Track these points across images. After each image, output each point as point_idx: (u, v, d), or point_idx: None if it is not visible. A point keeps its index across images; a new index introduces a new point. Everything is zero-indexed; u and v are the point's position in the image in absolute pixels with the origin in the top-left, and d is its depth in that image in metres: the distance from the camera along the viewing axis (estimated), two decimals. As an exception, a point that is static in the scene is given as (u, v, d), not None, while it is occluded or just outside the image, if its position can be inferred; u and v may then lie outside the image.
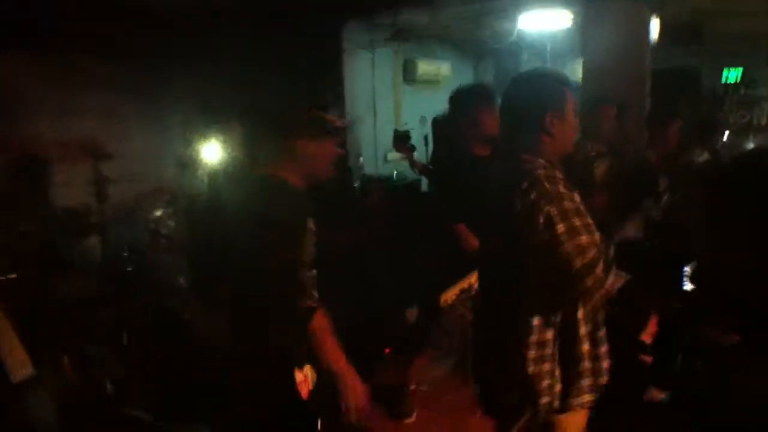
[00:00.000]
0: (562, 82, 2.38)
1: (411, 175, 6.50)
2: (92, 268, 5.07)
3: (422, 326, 4.17)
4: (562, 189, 2.18)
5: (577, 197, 2.22)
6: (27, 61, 5.85)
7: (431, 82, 7.77)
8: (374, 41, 6.93)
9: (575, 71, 8.15)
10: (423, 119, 7.71)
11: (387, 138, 7.26)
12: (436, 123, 5.45)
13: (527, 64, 8.74)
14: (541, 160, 2.26)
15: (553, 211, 2.10)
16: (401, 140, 4.98)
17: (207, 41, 6.03)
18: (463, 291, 3.55)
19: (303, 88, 5.82)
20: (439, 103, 7.90)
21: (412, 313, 4.62)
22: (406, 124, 7.46)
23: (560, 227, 2.08)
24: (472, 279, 3.55)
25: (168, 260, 5.33)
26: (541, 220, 2.10)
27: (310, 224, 2.49)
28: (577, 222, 2.10)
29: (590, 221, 2.15)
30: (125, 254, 5.28)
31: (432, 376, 4.19)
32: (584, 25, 5.81)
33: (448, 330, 3.85)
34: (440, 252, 3.80)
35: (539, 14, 6.59)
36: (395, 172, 6.64)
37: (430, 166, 4.72)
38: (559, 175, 2.26)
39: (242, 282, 2.43)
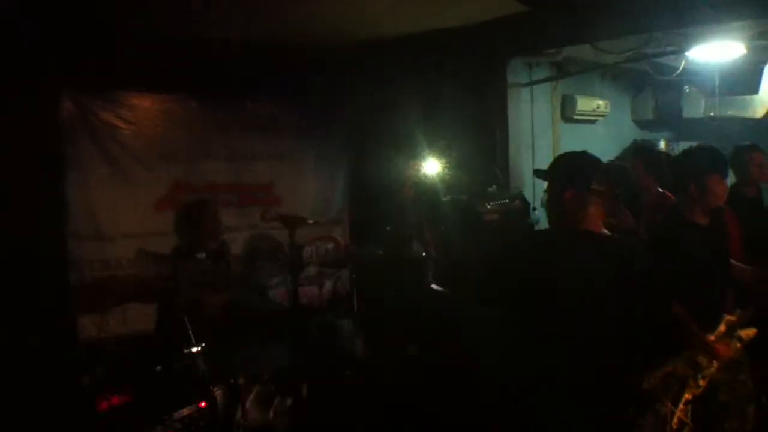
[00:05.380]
0: None
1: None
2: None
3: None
4: None
5: None
6: (198, 107, 6.13)
7: (589, 118, 7.52)
8: (533, 78, 6.80)
9: (747, 105, 7.76)
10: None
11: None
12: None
13: (689, 98, 8.35)
14: None
15: None
16: None
17: (376, 80, 6.12)
18: (668, 375, 3.37)
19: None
20: (596, 141, 7.68)
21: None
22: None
23: None
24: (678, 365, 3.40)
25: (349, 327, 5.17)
26: None
27: None
28: None
29: None
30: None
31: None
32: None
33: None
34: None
35: (708, 46, 6.24)
36: None
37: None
38: None
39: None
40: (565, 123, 7.39)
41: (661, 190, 5.08)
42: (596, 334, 2.65)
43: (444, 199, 5.96)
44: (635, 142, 8.11)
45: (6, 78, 4.95)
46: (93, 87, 5.54)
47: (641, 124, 8.71)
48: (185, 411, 3.87)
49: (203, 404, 3.92)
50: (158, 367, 4.12)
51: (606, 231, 2.88)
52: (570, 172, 2.92)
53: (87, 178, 5.56)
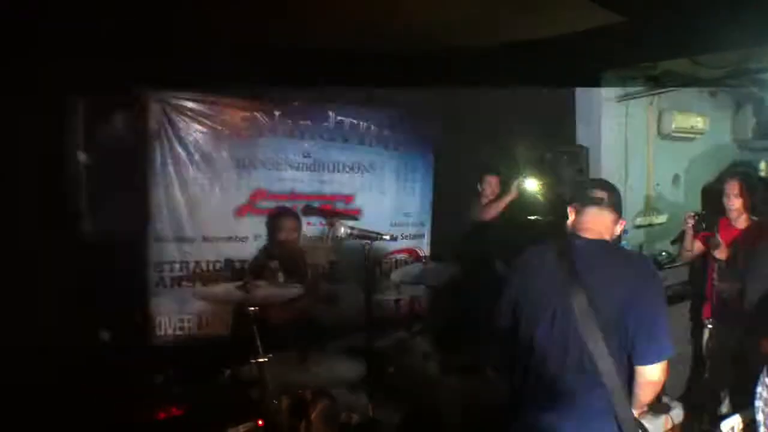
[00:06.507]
0: None
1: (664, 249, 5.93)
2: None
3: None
4: None
5: None
6: (282, 115, 6.14)
7: (687, 135, 7.15)
8: (628, 92, 6.52)
9: None
10: (677, 178, 7.11)
11: (638, 198, 6.78)
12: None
13: (792, 116, 7.85)
14: None
15: None
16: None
17: (462, 91, 6.00)
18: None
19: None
20: (693, 159, 7.32)
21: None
22: (658, 185, 6.93)
23: None
24: None
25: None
26: None
27: None
28: None
29: None
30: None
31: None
32: None
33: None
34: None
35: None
36: (664, 254, 5.92)
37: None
38: None
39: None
40: (660, 140, 7.05)
41: (756, 218, 4.79)
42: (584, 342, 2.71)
43: (529, 218, 5.79)
44: (735, 162, 7.70)
45: (99, 83, 5.08)
46: (181, 92, 5.63)
47: (741, 143, 8.25)
48: (241, 429, 3.81)
49: (260, 422, 3.84)
50: (222, 376, 4.10)
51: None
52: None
53: (172, 181, 5.66)
